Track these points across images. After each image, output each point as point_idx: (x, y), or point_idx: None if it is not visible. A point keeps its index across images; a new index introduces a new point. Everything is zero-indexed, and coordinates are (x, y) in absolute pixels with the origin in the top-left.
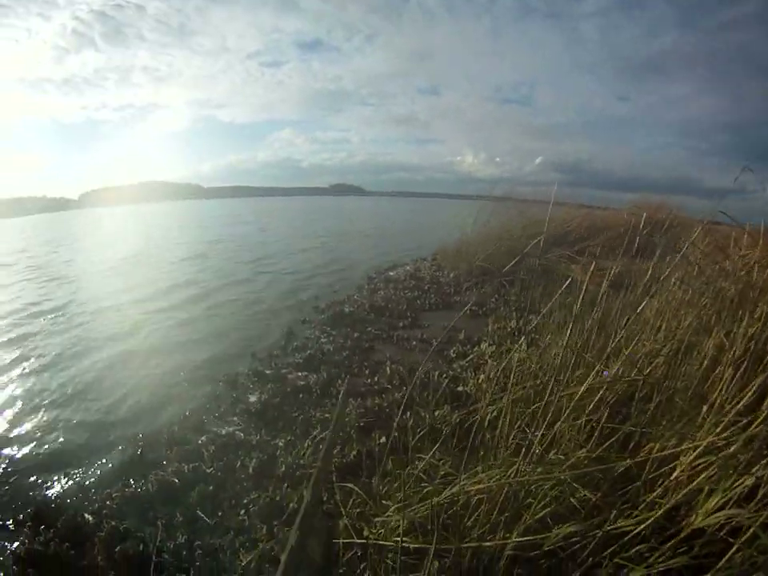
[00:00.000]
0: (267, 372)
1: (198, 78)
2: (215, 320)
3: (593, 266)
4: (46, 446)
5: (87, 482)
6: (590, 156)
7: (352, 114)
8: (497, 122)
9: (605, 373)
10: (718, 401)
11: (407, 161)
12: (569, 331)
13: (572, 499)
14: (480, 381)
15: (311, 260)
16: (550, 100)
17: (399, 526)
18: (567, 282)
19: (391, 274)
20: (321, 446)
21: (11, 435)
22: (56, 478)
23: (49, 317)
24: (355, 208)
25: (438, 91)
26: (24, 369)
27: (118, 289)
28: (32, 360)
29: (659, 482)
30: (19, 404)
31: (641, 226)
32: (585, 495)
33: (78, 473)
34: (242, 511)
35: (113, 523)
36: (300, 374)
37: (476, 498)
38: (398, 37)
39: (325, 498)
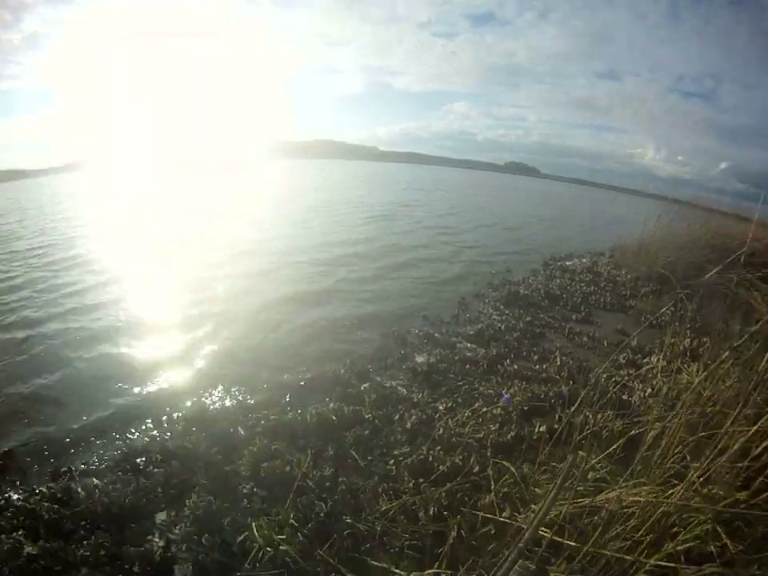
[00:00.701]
0: (437, 336)
1: (370, 45)
2: (395, 280)
3: None
4: (218, 367)
5: (247, 401)
6: None
7: (529, 92)
8: (678, 116)
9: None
10: None
11: (583, 147)
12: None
13: (713, 546)
14: (647, 395)
15: (490, 237)
16: (736, 97)
17: (548, 516)
18: (746, 309)
19: (568, 263)
20: (480, 420)
21: (194, 355)
22: (218, 392)
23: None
24: (532, 190)
25: (617, 76)
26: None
27: (314, 243)
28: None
29: None
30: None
31: None
32: (726, 544)
33: (241, 392)
34: (392, 461)
35: (264, 441)
36: (469, 345)
37: (625, 511)
38: (572, 15)
39: (476, 470)
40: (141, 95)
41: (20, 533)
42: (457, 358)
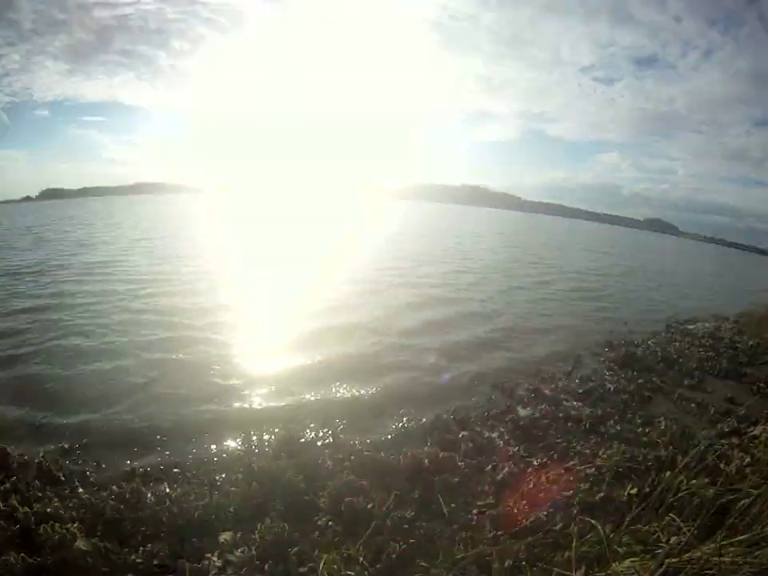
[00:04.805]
0: (546, 392)
1: (530, 90)
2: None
3: None
4: (320, 397)
5: (343, 435)
6: None
7: (682, 143)
8: None
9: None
10: None
11: (729, 203)
12: None
13: None
14: (745, 464)
15: (615, 296)
16: None
17: (627, 573)
18: None
19: (690, 327)
20: (572, 478)
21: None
22: (316, 421)
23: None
24: (667, 249)
25: None
26: None
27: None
28: None
29: None
30: None
31: None
32: None
33: (338, 425)
34: (474, 511)
35: (351, 476)
36: (575, 403)
37: (707, 572)
38: (736, 54)
39: (559, 526)
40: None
41: (75, 525)
42: (561, 414)
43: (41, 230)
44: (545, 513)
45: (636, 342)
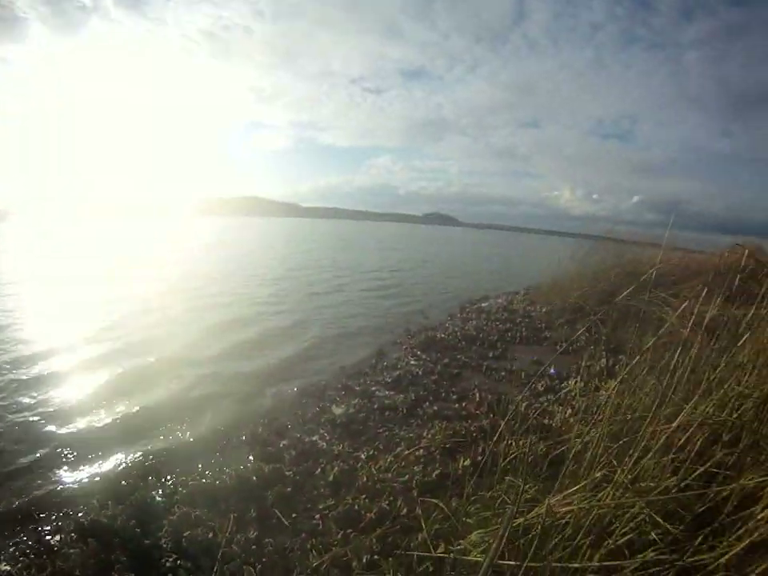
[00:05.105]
0: (356, 388)
1: (301, 100)
2: (318, 332)
3: (685, 309)
4: (131, 436)
5: (163, 468)
6: (689, 196)
7: (451, 145)
8: (596, 157)
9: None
10: None
11: (503, 194)
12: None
13: (653, 533)
14: (567, 415)
15: (407, 287)
16: (651, 135)
17: (480, 543)
18: (658, 324)
19: (484, 305)
20: (404, 463)
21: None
22: (133, 461)
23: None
24: (449, 239)
25: (538, 125)
26: None
27: None
28: None
29: (739, 525)
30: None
31: (740, 269)
32: (666, 529)
33: (156, 459)
34: (317, 516)
35: (184, 509)
36: (387, 392)
37: (559, 521)
38: (500, 67)
39: (404, 512)
40: (69, 140)
41: None
42: (376, 406)
43: None
44: (386, 502)
45: (434, 327)
